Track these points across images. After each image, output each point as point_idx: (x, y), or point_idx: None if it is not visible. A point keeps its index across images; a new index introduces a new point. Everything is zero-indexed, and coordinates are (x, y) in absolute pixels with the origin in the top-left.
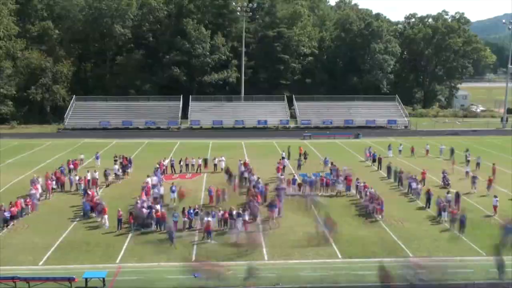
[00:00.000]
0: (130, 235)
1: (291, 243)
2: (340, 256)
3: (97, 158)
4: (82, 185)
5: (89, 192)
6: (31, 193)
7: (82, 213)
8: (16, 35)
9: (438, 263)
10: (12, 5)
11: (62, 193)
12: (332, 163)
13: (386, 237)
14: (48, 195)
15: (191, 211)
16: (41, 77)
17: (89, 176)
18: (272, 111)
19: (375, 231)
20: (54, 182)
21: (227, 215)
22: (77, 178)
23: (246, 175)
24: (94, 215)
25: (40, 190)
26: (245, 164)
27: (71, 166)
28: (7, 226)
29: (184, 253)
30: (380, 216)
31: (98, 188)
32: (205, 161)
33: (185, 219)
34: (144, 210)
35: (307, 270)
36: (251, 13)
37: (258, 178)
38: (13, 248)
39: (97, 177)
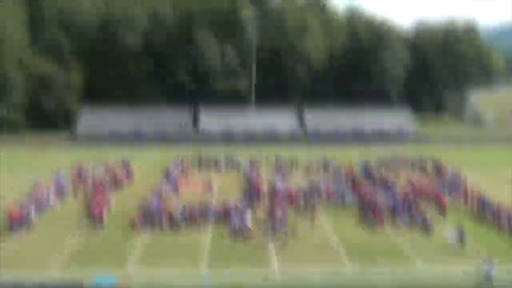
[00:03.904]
0: (139, 241)
1: (299, 251)
2: (349, 264)
3: (95, 166)
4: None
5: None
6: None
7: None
8: (27, 44)
9: None
10: (23, 15)
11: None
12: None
13: (395, 245)
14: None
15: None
16: (51, 85)
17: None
18: (281, 120)
19: (384, 238)
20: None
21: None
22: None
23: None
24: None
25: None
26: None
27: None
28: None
29: (193, 259)
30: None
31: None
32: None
33: None
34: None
35: (316, 277)
36: (260, 22)
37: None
38: (22, 254)
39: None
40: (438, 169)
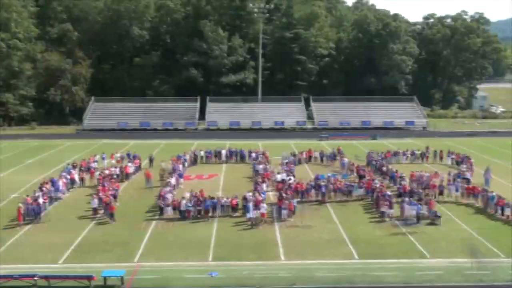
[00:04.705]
0: (148, 234)
1: (307, 244)
2: (356, 257)
3: (103, 158)
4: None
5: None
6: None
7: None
8: (36, 37)
9: None
10: (32, 8)
11: (82, 188)
12: (358, 166)
13: (403, 238)
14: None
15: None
16: (60, 78)
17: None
18: (289, 112)
19: (392, 232)
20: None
21: (235, 201)
22: (97, 173)
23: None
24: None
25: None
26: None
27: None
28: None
29: (202, 253)
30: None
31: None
32: (219, 153)
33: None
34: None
35: (323, 270)
36: (268, 15)
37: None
38: (33, 246)
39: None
40: (456, 162)
